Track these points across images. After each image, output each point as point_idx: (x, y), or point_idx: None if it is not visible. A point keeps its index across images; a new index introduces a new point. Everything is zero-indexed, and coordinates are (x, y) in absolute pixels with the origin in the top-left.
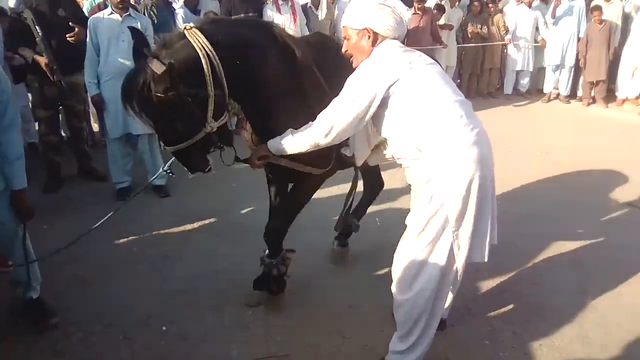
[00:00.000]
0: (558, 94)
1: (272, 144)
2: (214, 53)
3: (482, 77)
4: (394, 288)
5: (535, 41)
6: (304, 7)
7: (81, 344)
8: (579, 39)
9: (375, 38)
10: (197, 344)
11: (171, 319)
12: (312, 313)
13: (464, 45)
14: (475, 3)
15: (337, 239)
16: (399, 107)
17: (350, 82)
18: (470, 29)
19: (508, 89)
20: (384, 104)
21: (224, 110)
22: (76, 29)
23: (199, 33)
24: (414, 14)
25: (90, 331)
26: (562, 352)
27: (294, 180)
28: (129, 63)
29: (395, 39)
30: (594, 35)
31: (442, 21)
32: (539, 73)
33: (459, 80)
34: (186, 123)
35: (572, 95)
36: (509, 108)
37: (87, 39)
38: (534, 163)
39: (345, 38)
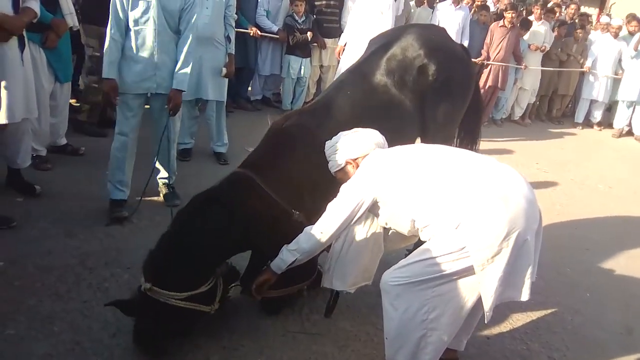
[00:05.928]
0: (629, 131)
1: (273, 264)
2: (179, 296)
3: (554, 101)
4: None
5: (616, 74)
6: None
7: (127, 285)
8: None
9: (356, 163)
10: (230, 316)
11: None
12: (348, 302)
13: (541, 68)
14: (561, 27)
15: None
16: (401, 207)
17: (335, 204)
18: (553, 51)
19: (579, 117)
20: (375, 205)
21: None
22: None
23: (159, 290)
24: (500, 26)
25: (137, 274)
26: None
27: None
28: (208, 33)
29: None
30: None
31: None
32: (612, 107)
33: (537, 102)
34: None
35: None
36: (578, 137)
37: None
38: (595, 195)
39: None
